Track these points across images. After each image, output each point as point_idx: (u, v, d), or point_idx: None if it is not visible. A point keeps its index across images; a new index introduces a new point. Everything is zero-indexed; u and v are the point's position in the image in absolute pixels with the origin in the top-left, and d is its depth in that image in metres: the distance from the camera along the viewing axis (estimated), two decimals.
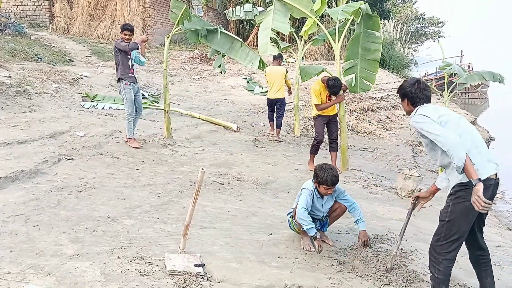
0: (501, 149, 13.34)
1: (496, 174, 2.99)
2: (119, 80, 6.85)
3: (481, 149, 2.99)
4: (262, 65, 7.79)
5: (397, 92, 3.33)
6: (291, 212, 4.00)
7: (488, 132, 15.49)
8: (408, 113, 3.26)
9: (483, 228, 3.22)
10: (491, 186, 2.94)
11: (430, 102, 3.21)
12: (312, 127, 11.26)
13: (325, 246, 3.94)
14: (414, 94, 3.18)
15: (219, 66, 8.43)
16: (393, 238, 4.26)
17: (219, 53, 8.15)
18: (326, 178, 3.72)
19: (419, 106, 3.15)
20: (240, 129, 9.27)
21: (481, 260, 3.17)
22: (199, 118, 9.47)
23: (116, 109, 9.19)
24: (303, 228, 3.76)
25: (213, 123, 9.36)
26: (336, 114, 7.00)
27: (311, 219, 3.73)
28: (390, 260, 3.55)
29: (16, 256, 3.27)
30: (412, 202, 3.45)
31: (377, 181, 6.91)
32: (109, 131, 7.44)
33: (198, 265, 3.22)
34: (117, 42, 6.81)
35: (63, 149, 6.22)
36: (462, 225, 2.95)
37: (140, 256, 3.35)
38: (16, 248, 3.41)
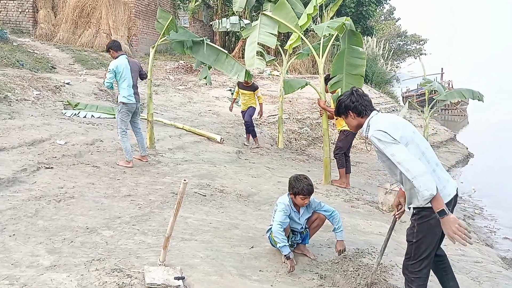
0: (479, 166, 13.62)
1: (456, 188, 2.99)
2: None
3: (438, 170, 2.91)
4: (248, 76, 7.83)
5: (337, 111, 3.10)
6: (270, 228, 3.97)
7: (467, 148, 15.81)
8: (357, 127, 3.07)
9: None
10: (452, 199, 2.93)
11: (374, 109, 3.04)
12: (295, 140, 11.34)
13: (307, 260, 3.94)
14: (356, 103, 2.99)
15: (205, 78, 8.44)
16: (374, 252, 4.29)
17: (204, 64, 8.17)
18: (302, 188, 3.72)
19: (369, 118, 2.98)
20: (223, 140, 9.26)
21: (440, 266, 3.21)
22: (182, 128, 9.43)
23: (98, 117, 9.09)
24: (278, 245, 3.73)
25: (197, 134, 9.33)
26: (342, 131, 7.23)
27: (285, 238, 3.70)
28: (371, 275, 3.57)
29: None
30: (394, 215, 3.47)
31: (358, 195, 6.96)
32: (90, 140, 7.35)
33: (178, 278, 3.18)
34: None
35: (43, 158, 6.11)
36: (430, 243, 2.91)
37: (119, 268, 3.29)
38: None
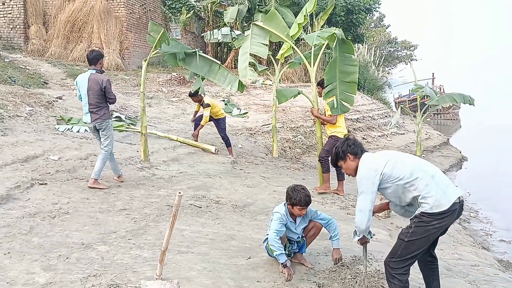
0: (474, 169, 13.70)
1: (459, 196, 3.12)
2: (107, 117, 6.28)
3: (438, 178, 3.13)
4: (241, 86, 7.86)
5: (335, 159, 3.44)
6: (267, 238, 3.96)
7: (460, 152, 15.90)
8: (355, 170, 3.33)
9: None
10: (456, 210, 3.10)
11: (366, 151, 3.39)
12: (290, 148, 11.36)
13: (304, 269, 3.93)
14: (352, 145, 3.35)
15: (198, 89, 8.45)
16: (371, 259, 4.29)
17: (197, 76, 8.19)
18: (299, 199, 3.73)
19: (361, 158, 3.31)
20: (218, 151, 9.25)
21: (430, 266, 3.39)
22: (176, 140, 9.42)
23: None
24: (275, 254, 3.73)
25: (191, 146, 9.32)
26: (330, 136, 7.12)
27: (281, 246, 3.71)
28: (363, 282, 3.57)
29: None
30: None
31: (354, 202, 6.96)
32: (84, 154, 7.32)
33: None
34: (109, 82, 6.23)
35: (36, 174, 6.08)
36: (420, 247, 3.11)
37: (115, 284, 3.27)
38: None
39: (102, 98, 6.19)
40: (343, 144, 3.40)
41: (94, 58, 6.21)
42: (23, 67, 13.49)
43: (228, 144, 9.29)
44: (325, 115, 7.16)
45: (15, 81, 11.23)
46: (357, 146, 3.37)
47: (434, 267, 3.38)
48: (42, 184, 5.76)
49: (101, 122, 6.21)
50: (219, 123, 9.25)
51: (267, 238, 3.92)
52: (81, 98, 6.31)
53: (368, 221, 3.22)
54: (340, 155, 3.39)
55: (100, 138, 6.34)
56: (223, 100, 14.71)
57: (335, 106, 6.92)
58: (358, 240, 3.40)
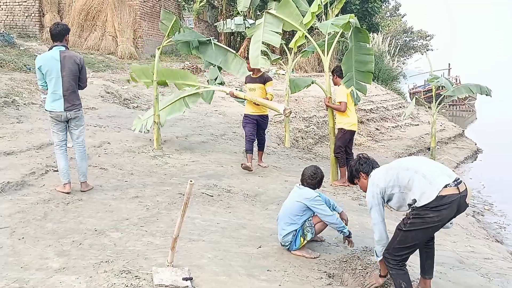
0: (488, 161, 13.51)
1: (457, 188, 3.09)
2: (80, 103, 5.32)
3: (423, 171, 3.17)
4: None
5: (351, 177, 3.62)
6: (293, 234, 3.95)
7: (475, 144, 15.68)
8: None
9: None
10: (455, 201, 3.07)
11: (377, 166, 3.52)
12: (302, 138, 11.31)
13: (315, 259, 3.93)
14: (364, 164, 3.51)
15: (216, 79, 8.34)
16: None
17: (213, 65, 8.15)
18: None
19: (371, 174, 3.45)
20: (290, 112, 7.28)
21: (426, 243, 3.41)
22: (244, 98, 7.42)
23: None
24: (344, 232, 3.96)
25: (257, 104, 7.14)
26: (339, 129, 7.14)
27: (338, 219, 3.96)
28: None
29: (1, 270, 3.21)
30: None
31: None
32: (98, 142, 7.38)
33: (186, 279, 3.19)
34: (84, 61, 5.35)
35: (51, 161, 6.15)
36: (418, 237, 3.19)
37: (127, 270, 3.31)
38: (0, 261, 3.35)
39: (76, 80, 5.20)
40: (356, 163, 3.57)
41: (59, 33, 5.06)
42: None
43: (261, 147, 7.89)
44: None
45: (30, 69, 11.34)
46: (369, 164, 3.51)
47: (429, 245, 3.44)
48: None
49: (77, 110, 5.20)
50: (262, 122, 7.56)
51: (292, 234, 3.95)
52: (44, 85, 5.22)
53: (385, 231, 3.34)
54: (354, 173, 3.58)
55: (63, 131, 5.28)
56: (237, 89, 14.67)
57: (355, 95, 6.86)
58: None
